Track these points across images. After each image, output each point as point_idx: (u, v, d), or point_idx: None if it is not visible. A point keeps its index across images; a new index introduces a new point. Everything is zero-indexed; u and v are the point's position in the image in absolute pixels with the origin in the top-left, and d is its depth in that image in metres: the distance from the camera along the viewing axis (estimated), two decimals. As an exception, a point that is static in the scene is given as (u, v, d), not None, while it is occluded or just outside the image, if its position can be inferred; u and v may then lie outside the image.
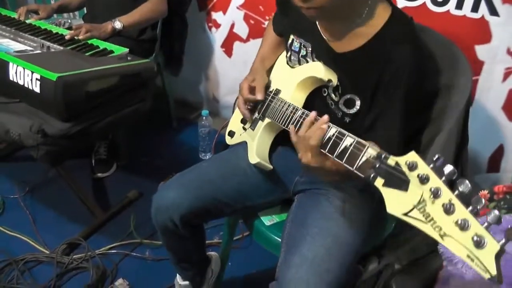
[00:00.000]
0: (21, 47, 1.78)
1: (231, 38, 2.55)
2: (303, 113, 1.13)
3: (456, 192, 0.73)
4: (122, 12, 2.07)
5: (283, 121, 1.21)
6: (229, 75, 2.67)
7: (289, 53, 1.32)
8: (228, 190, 1.33)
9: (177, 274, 1.60)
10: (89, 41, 1.90)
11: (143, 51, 2.21)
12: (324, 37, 1.18)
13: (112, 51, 1.82)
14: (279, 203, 1.43)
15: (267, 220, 1.39)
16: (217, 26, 2.57)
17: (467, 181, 0.73)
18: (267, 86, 1.37)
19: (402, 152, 0.91)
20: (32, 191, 2.23)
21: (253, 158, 1.30)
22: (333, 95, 1.20)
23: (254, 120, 1.36)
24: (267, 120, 1.31)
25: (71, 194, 2.01)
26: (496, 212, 0.69)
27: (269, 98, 1.33)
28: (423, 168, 0.78)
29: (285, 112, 1.21)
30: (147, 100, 1.82)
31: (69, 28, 2.06)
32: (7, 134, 1.60)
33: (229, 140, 1.48)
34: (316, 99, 1.25)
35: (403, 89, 1.07)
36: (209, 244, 1.90)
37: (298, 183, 1.34)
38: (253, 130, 1.36)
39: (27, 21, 2.07)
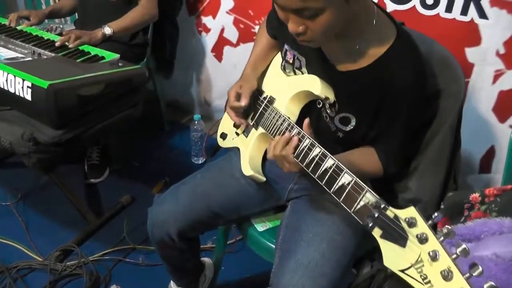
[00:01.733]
0: (12, 54, 1.76)
1: (221, 42, 2.56)
2: (298, 133, 1.08)
3: (454, 255, 0.74)
4: (113, 17, 2.07)
5: (276, 134, 1.21)
6: (220, 78, 2.68)
7: (283, 62, 1.30)
8: (223, 201, 1.33)
9: (171, 281, 1.60)
10: (81, 47, 1.89)
11: (134, 56, 2.22)
12: (325, 54, 1.16)
13: (103, 57, 1.82)
14: (272, 209, 1.43)
15: (260, 226, 1.40)
16: (207, 30, 2.58)
17: (464, 245, 0.73)
18: (261, 91, 1.37)
19: (399, 167, 0.92)
20: (24, 197, 2.21)
21: (247, 170, 1.30)
22: (328, 110, 1.19)
23: (247, 126, 1.36)
24: (260, 129, 1.31)
25: (64, 200, 2.00)
26: (492, 283, 0.70)
27: (263, 105, 1.32)
28: (422, 227, 0.78)
29: (279, 127, 1.20)
30: (138, 105, 1.82)
31: (60, 34, 2.05)
32: (-1, 142, 1.59)
33: (221, 142, 1.47)
34: (310, 109, 1.24)
35: (406, 111, 1.09)
36: (203, 249, 1.89)
37: (292, 191, 1.34)
38: (246, 137, 1.36)
39: (18, 28, 2.06)
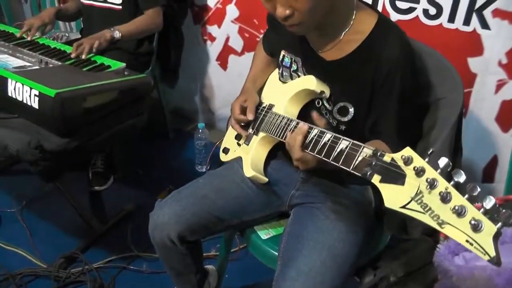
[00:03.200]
0: (19, 62, 1.79)
1: (226, 51, 2.58)
2: (297, 123, 1.16)
3: (452, 182, 0.76)
4: (119, 27, 2.10)
5: (278, 133, 1.25)
6: (225, 87, 2.70)
7: (281, 69, 1.36)
8: (224, 205, 1.35)
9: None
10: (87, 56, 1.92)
11: (140, 64, 2.25)
12: (314, 48, 1.23)
13: (109, 66, 1.84)
14: (275, 216, 1.45)
15: (264, 234, 1.41)
16: (212, 39, 2.60)
17: (462, 172, 0.76)
18: (260, 103, 1.41)
19: (405, 143, 0.94)
20: (29, 204, 2.23)
21: (248, 171, 1.33)
22: (326, 105, 1.24)
23: (248, 136, 1.39)
24: (261, 134, 1.34)
25: (68, 208, 2.02)
26: (491, 197, 0.73)
27: (263, 113, 1.36)
28: (418, 161, 0.81)
29: (279, 124, 1.25)
30: (144, 114, 1.84)
31: (67, 42, 2.08)
32: (6, 150, 1.61)
33: (223, 157, 1.50)
34: (311, 110, 1.27)
35: (398, 86, 1.12)
36: (206, 256, 1.91)
37: (294, 197, 1.36)
38: (247, 145, 1.39)
39: (36, 40, 2.06)
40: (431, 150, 0.80)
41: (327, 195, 1.29)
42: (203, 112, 2.90)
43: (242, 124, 1.40)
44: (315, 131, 1.08)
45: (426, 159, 0.80)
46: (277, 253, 1.28)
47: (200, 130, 2.46)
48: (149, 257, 1.97)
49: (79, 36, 2.37)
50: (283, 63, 1.34)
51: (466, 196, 0.75)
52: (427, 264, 1.43)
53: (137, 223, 2.11)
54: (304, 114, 1.28)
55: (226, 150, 1.50)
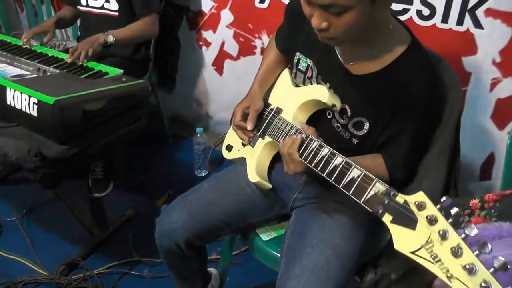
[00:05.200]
0: (18, 71, 1.79)
1: (222, 56, 2.59)
2: (306, 137, 1.12)
3: (463, 235, 0.76)
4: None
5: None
6: (221, 92, 2.70)
7: (294, 70, 1.32)
8: (229, 210, 1.35)
9: (178, 291, 1.62)
10: (85, 64, 1.92)
11: (137, 71, 2.25)
12: (341, 59, 1.19)
13: (106, 73, 1.84)
14: (277, 218, 1.45)
15: (265, 235, 1.41)
16: (208, 44, 2.61)
17: (473, 226, 0.75)
18: (267, 103, 1.40)
19: (406, 173, 0.93)
20: (29, 213, 2.23)
21: (253, 177, 1.32)
22: (340, 119, 1.21)
23: (253, 137, 1.38)
24: (267, 138, 1.33)
25: (69, 215, 2.01)
26: (501, 258, 0.72)
27: (270, 116, 1.35)
28: (431, 209, 0.81)
29: (288, 133, 1.23)
30: (142, 119, 1.84)
31: (65, 51, 2.08)
32: (6, 158, 1.61)
33: (226, 154, 1.49)
34: (320, 121, 1.26)
35: (419, 116, 1.11)
36: (208, 260, 1.89)
37: (297, 200, 1.36)
38: (252, 147, 1.38)
39: (33, 48, 2.07)
40: (444, 199, 0.80)
41: (328, 195, 1.29)
42: (201, 117, 2.90)
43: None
44: (325, 151, 1.06)
45: (438, 206, 0.80)
46: (279, 254, 1.29)
47: (199, 135, 2.46)
48: (150, 262, 1.96)
49: (76, 44, 2.36)
50: (299, 67, 1.30)
51: (476, 252, 0.74)
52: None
53: (138, 229, 2.11)
54: (313, 123, 1.25)
55: (229, 148, 1.48)
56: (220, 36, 2.53)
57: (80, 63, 1.90)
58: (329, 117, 1.24)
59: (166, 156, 2.74)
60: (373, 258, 1.37)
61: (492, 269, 0.73)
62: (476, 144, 1.93)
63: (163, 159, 2.70)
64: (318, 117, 1.27)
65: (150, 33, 2.25)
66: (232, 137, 1.48)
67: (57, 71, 1.83)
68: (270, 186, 1.33)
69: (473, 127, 1.90)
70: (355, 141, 1.21)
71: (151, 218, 1.40)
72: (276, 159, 1.36)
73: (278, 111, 1.34)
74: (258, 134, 1.37)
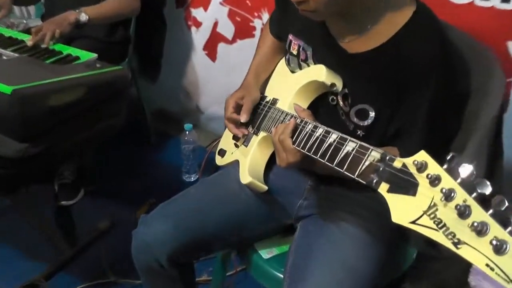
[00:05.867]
0: (-34, 55, 1.79)
1: (215, 39, 2.58)
2: (301, 121, 1.15)
3: (474, 193, 0.74)
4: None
5: None
6: (214, 81, 2.69)
7: (287, 56, 1.35)
8: (221, 220, 1.34)
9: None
10: (51, 46, 1.91)
11: (114, 55, 2.25)
12: (335, 36, 1.20)
13: (77, 57, 1.83)
14: (279, 232, 1.44)
15: (266, 253, 1.40)
16: (198, 25, 2.60)
17: (487, 182, 0.74)
18: (263, 96, 1.41)
19: None
20: (-18, 223, 2.21)
21: (245, 177, 1.32)
22: (343, 105, 1.21)
23: (247, 136, 1.39)
24: (262, 133, 1.34)
25: (30, 226, 2.00)
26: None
27: (265, 109, 1.36)
28: (434, 167, 0.79)
29: (282, 121, 1.25)
30: (120, 114, 1.83)
31: (26, 31, 2.06)
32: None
33: (219, 161, 1.50)
34: (323, 109, 1.26)
35: (431, 90, 1.09)
36: (197, 281, 1.89)
37: (301, 208, 1.35)
38: (246, 146, 1.38)
39: None
40: (450, 155, 0.78)
41: (340, 205, 1.28)
42: (190, 111, 2.90)
43: (237, 123, 1.40)
44: (320, 130, 1.08)
45: (445, 166, 0.78)
46: (282, 275, 1.27)
47: (187, 133, 2.45)
48: (128, 283, 1.95)
49: (40, 23, 2.35)
50: (290, 50, 1.32)
51: (491, 211, 0.72)
52: (462, 286, 1.41)
53: (114, 244, 2.09)
54: (317, 111, 1.26)
55: (222, 152, 1.49)
56: (212, 15, 2.52)
57: (44, 46, 1.88)
58: (333, 103, 1.25)
59: (149, 158, 2.73)
60: (395, 281, 1.36)
61: (510, 228, 0.70)
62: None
63: (144, 161, 2.70)
64: (321, 105, 1.28)
65: (130, 10, 2.24)
66: (226, 140, 1.50)
67: (16, 55, 1.82)
68: (265, 187, 1.33)
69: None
70: (360, 133, 1.20)
71: (130, 231, 1.38)
72: (275, 160, 1.34)
73: (274, 102, 1.36)
74: (252, 131, 1.38)
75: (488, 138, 1.25)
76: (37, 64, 1.77)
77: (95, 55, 1.85)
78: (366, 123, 1.18)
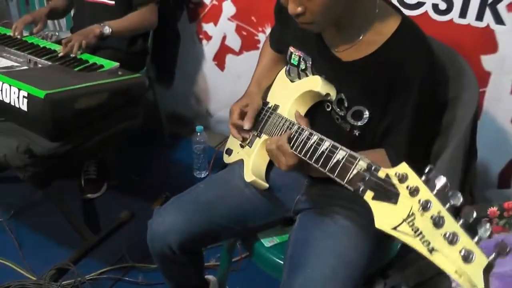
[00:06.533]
0: (7, 63, 1.79)
1: (223, 50, 2.58)
2: (298, 127, 1.16)
3: (448, 205, 0.74)
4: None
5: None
6: (222, 89, 2.70)
7: (288, 67, 1.35)
8: (227, 212, 1.34)
9: (173, 300, 1.61)
10: (78, 56, 1.92)
11: (134, 64, 2.23)
12: (329, 46, 1.22)
13: (102, 66, 1.84)
14: (279, 223, 1.44)
15: (267, 242, 1.40)
16: (208, 38, 2.60)
17: (459, 193, 0.74)
18: (265, 102, 1.42)
19: (412, 162, 0.93)
20: (17, 214, 2.22)
21: (249, 176, 1.32)
22: (338, 109, 1.22)
23: (251, 138, 1.39)
24: (264, 136, 1.34)
25: (59, 217, 2.00)
26: (487, 225, 0.70)
27: (268, 114, 1.36)
28: (413, 179, 0.79)
29: (281, 127, 1.25)
30: (138, 116, 1.84)
31: (58, 42, 2.08)
32: (-7, 155, 1.61)
33: (226, 159, 1.50)
34: (320, 115, 1.27)
35: (415, 96, 1.10)
36: (206, 266, 1.88)
37: (300, 202, 1.35)
38: (250, 147, 1.39)
39: (24, 39, 2.07)
40: (428, 168, 0.78)
41: (334, 200, 1.28)
42: (200, 114, 2.90)
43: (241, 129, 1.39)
44: (314, 138, 1.08)
45: (423, 178, 0.79)
46: (282, 262, 1.28)
47: (198, 134, 2.45)
48: (145, 268, 1.96)
49: (70, 34, 2.36)
50: (291, 61, 1.33)
51: (461, 221, 0.72)
52: (440, 273, 1.42)
53: (132, 232, 2.11)
54: (313, 117, 1.27)
55: (229, 152, 1.50)
56: (221, 29, 2.53)
57: (73, 55, 1.90)
58: (328, 109, 1.26)
59: (163, 156, 2.73)
60: (382, 269, 1.37)
61: (476, 238, 0.70)
62: (495, 149, 1.90)
63: (160, 159, 2.69)
64: (317, 112, 1.28)
65: (148, 24, 2.25)
66: (232, 141, 1.50)
67: (49, 63, 1.84)
68: (266, 185, 1.33)
69: (492, 131, 1.88)
70: (356, 132, 1.21)
71: (147, 221, 1.39)
72: None
73: (275, 108, 1.37)
74: (255, 134, 1.38)
75: (464, 143, 1.25)
76: (67, 71, 1.79)
77: (117, 64, 1.87)
78: (361, 122, 1.19)
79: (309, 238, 1.22)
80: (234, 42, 2.51)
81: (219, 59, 2.63)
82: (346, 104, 1.20)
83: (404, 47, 1.11)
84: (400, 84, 1.11)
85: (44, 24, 2.19)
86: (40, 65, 1.82)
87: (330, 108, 1.25)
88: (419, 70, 1.10)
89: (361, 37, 1.15)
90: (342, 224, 1.23)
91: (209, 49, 2.63)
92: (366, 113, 1.18)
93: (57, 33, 2.53)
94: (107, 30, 2.03)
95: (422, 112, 1.13)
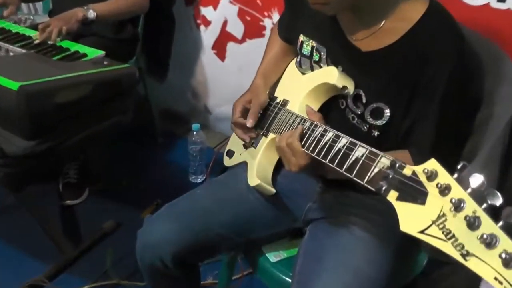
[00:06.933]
0: (-27, 51, 1.80)
1: (224, 38, 2.58)
2: (311, 124, 1.15)
3: (484, 205, 0.74)
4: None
5: None
6: (223, 82, 2.70)
7: (299, 58, 1.35)
8: (228, 220, 1.34)
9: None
10: (58, 43, 1.92)
11: (122, 53, 2.25)
12: (346, 34, 1.21)
13: (85, 54, 1.84)
14: (286, 235, 1.45)
15: (273, 256, 1.40)
16: (207, 23, 2.61)
17: (497, 193, 0.73)
18: (273, 97, 1.41)
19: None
20: (-14, 222, 2.22)
21: (253, 180, 1.32)
22: (354, 107, 1.22)
23: (257, 137, 1.39)
24: (271, 135, 1.34)
25: (34, 226, 2.00)
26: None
27: (275, 110, 1.36)
28: (444, 177, 0.79)
29: (291, 124, 1.25)
30: (127, 112, 1.84)
31: (33, 27, 2.08)
32: (-40, 154, 1.61)
33: (227, 161, 1.50)
34: (333, 113, 1.27)
35: (443, 89, 1.10)
36: (202, 285, 1.89)
37: (310, 211, 1.35)
38: (255, 148, 1.39)
39: None
40: (461, 164, 0.78)
41: (350, 208, 1.28)
42: (198, 111, 2.90)
43: (244, 128, 1.39)
44: (329, 134, 1.08)
45: (455, 175, 0.78)
46: (290, 279, 1.28)
47: (195, 133, 2.45)
48: (132, 285, 1.96)
49: (47, 19, 2.36)
50: (302, 51, 1.33)
51: (501, 223, 0.71)
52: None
53: (118, 245, 2.10)
54: (326, 115, 1.26)
55: (230, 153, 1.50)
56: (222, 14, 2.53)
57: (51, 43, 1.90)
58: (342, 107, 1.26)
59: (155, 158, 2.74)
60: (406, 287, 1.36)
61: None
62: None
63: (151, 161, 2.70)
64: (330, 109, 1.28)
65: (138, 7, 2.25)
66: (234, 141, 1.50)
67: (23, 51, 1.84)
68: (273, 190, 1.33)
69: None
70: (375, 133, 1.21)
71: (135, 232, 1.39)
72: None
73: (284, 103, 1.36)
74: (261, 133, 1.38)
75: (502, 145, 1.25)
76: (44, 60, 1.78)
77: (102, 53, 1.87)
78: (381, 122, 1.19)
79: (321, 251, 1.22)
80: (236, 28, 2.51)
81: (219, 48, 2.63)
82: (364, 101, 1.20)
83: (431, 35, 1.10)
84: (426, 77, 1.10)
85: (17, 6, 2.19)
86: (12, 53, 1.82)
87: (345, 105, 1.24)
88: (448, 59, 1.09)
89: (382, 24, 1.14)
90: (358, 235, 1.23)
91: (208, 36, 2.64)
92: (387, 112, 1.17)
93: (31, 17, 2.54)
94: (91, 14, 2.03)
95: (451, 107, 1.12)
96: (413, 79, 1.12)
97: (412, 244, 1.32)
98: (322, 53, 1.28)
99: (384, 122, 1.18)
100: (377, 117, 1.19)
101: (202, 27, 2.63)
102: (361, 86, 1.20)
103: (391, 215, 1.28)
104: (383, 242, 1.22)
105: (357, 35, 1.19)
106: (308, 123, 1.17)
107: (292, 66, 1.45)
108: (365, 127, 1.22)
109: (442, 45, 1.10)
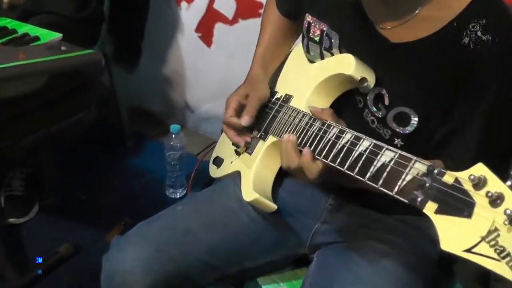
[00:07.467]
0: None
1: (211, 18, 2.59)
2: (323, 124, 1.14)
3: None
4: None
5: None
6: (209, 72, 2.70)
7: (305, 41, 1.34)
8: (214, 244, 1.33)
9: None
10: (1, 23, 1.90)
11: (84, 36, 2.24)
12: (372, 20, 1.20)
13: (37, 38, 1.82)
14: (288, 263, 1.44)
15: (271, 289, 1.40)
16: (190, 0, 2.61)
17: None
18: (273, 92, 1.41)
19: None
20: None
21: (249, 193, 1.31)
22: (374, 109, 1.21)
23: (252, 141, 1.38)
24: (271, 138, 1.33)
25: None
26: None
27: (276, 108, 1.36)
28: (495, 184, 0.78)
29: (297, 124, 1.23)
30: (89, 109, 1.84)
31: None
32: None
33: (214, 172, 1.50)
34: (347, 113, 1.26)
35: (493, 92, 1.09)
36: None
37: (319, 233, 1.35)
38: (250, 154, 1.38)
39: None
40: None
41: (368, 231, 1.28)
42: (176, 108, 2.92)
43: (239, 129, 1.39)
44: (348, 136, 1.07)
45: (508, 182, 0.78)
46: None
47: (174, 136, 2.44)
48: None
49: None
50: (310, 35, 1.32)
51: None
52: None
53: (76, 273, 2.10)
54: (338, 115, 1.25)
55: (218, 161, 1.50)
56: (208, -12, 2.54)
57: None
58: (360, 106, 1.25)
59: (124, 166, 2.74)
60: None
61: None
62: None
63: (118, 169, 2.71)
64: (344, 108, 1.28)
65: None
66: (223, 146, 1.50)
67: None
68: (274, 206, 1.32)
69: None
70: (398, 142, 1.20)
71: (98, 256, 1.37)
72: (287, 172, 1.33)
73: (287, 99, 1.36)
74: (258, 136, 1.38)
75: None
76: (-15, 45, 1.77)
77: (59, 35, 1.85)
78: (407, 130, 1.18)
79: (333, 284, 1.21)
80: (226, 6, 2.52)
81: (205, 30, 2.63)
82: (386, 102, 1.19)
83: (481, 25, 1.08)
84: (474, 78, 1.09)
85: None
86: None
87: (363, 104, 1.24)
88: (501, 56, 1.08)
89: (417, 11, 1.13)
90: (379, 264, 1.23)
91: (191, 15, 2.64)
92: (415, 120, 1.17)
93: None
94: None
95: (502, 114, 1.12)
96: (452, 79, 1.11)
97: (444, 274, 1.33)
98: (333, 40, 1.27)
99: (411, 130, 1.18)
100: (403, 123, 1.18)
101: (183, 4, 2.64)
102: (385, 84, 1.19)
103: (419, 240, 1.29)
104: (409, 272, 1.22)
105: (385, 23, 1.18)
106: (318, 123, 1.16)
107: (297, 52, 1.44)
108: (387, 135, 1.21)
109: (495, 38, 1.07)
